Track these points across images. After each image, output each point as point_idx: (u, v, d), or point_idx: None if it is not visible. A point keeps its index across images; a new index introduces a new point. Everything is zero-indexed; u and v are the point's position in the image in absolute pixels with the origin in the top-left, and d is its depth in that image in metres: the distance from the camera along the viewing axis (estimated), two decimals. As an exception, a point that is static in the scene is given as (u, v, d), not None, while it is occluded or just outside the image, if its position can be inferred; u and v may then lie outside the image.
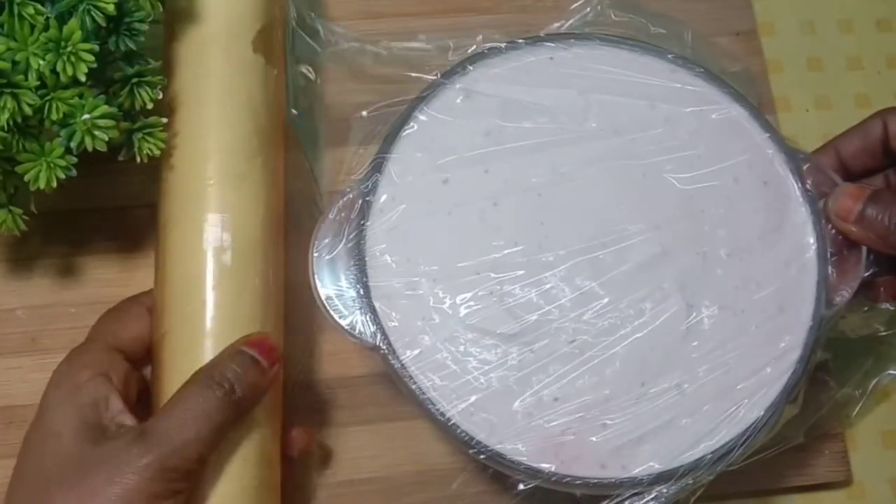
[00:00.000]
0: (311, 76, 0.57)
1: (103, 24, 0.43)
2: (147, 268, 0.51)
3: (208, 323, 0.45)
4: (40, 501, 0.40)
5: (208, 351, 0.44)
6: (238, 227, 0.46)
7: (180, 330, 0.45)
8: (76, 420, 0.41)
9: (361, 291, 0.48)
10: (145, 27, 0.45)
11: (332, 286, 0.48)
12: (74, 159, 0.44)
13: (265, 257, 0.47)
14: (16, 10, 0.42)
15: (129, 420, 0.42)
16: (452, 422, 0.46)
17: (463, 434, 0.46)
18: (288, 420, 0.49)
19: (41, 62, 0.42)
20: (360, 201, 0.49)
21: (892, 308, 0.51)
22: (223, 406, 0.42)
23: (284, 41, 0.52)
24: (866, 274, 0.49)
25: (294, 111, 0.52)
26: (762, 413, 0.47)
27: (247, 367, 0.43)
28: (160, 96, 0.46)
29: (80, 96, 0.43)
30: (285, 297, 0.49)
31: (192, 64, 0.48)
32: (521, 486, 0.47)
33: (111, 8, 0.42)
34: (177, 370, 0.44)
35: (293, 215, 0.52)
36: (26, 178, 0.44)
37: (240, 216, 0.46)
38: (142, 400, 0.47)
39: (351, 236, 0.49)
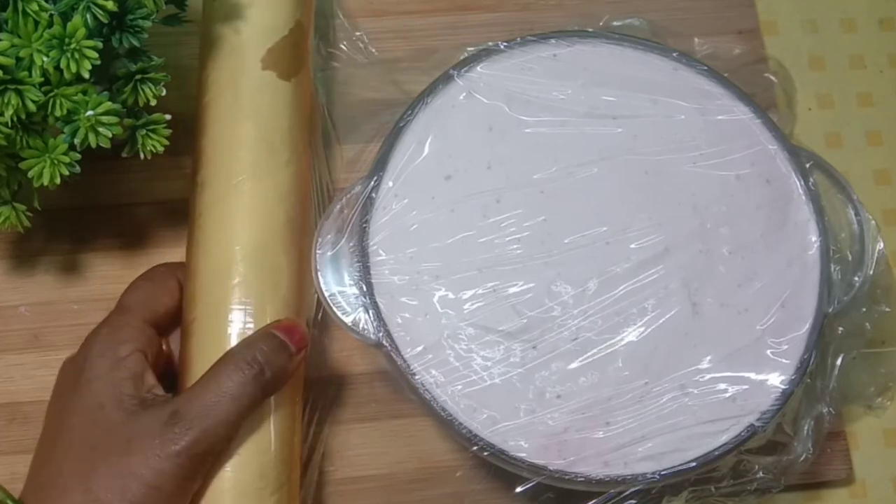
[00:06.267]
0: (318, 73, 0.57)
1: (105, 22, 0.43)
2: (150, 264, 0.51)
3: (237, 312, 0.46)
4: (89, 473, 0.42)
5: (235, 337, 0.45)
6: (267, 217, 0.47)
7: (211, 316, 0.46)
8: (117, 393, 0.43)
9: (364, 288, 0.48)
10: (148, 24, 0.45)
11: (334, 283, 0.48)
12: (78, 156, 0.44)
13: (292, 247, 0.48)
14: (20, 7, 0.42)
15: (160, 392, 0.44)
16: (455, 418, 0.46)
17: (465, 431, 0.46)
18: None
19: (45, 59, 0.42)
20: (362, 198, 0.49)
21: None
22: (253, 387, 0.43)
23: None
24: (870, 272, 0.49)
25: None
26: (765, 411, 0.47)
27: (276, 350, 0.44)
28: (164, 93, 0.46)
29: (84, 93, 0.43)
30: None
31: (227, 82, 0.49)
32: (524, 484, 0.47)
33: (111, 5, 0.42)
34: (206, 354, 0.45)
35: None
36: (30, 174, 0.44)
37: (268, 208, 0.47)
38: (164, 371, 0.48)
39: (354, 233, 0.49)
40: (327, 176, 0.56)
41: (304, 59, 0.51)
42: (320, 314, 0.50)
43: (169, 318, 0.48)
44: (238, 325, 0.45)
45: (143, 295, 0.48)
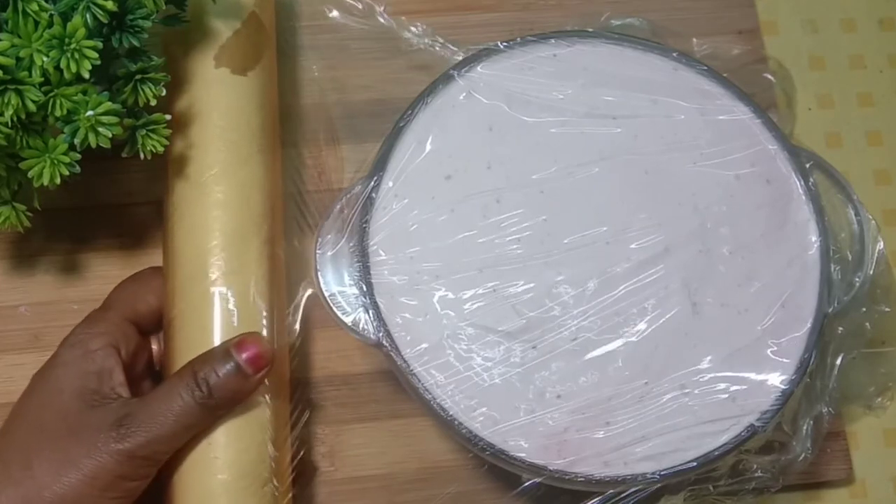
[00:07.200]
0: (316, 73, 0.58)
1: (105, 22, 0.43)
2: (150, 264, 0.51)
3: (216, 308, 0.46)
4: (32, 451, 0.43)
5: (212, 332, 0.46)
6: (234, 213, 0.47)
7: (189, 315, 0.47)
8: (79, 383, 0.45)
9: (364, 288, 0.48)
10: (148, 24, 0.45)
11: (334, 283, 0.48)
12: (78, 156, 0.44)
13: (261, 242, 0.48)
14: (20, 7, 0.42)
15: (125, 393, 0.45)
16: (455, 418, 0.46)
17: (465, 431, 0.46)
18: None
19: (45, 59, 0.42)
20: (362, 198, 0.49)
21: None
22: (198, 410, 0.44)
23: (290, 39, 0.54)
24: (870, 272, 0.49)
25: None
26: (765, 411, 0.47)
27: (230, 374, 0.44)
28: (163, 93, 0.46)
29: (84, 93, 0.43)
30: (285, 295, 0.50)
31: (183, 82, 0.49)
32: (524, 484, 0.47)
33: (111, 5, 0.42)
34: (185, 354, 0.46)
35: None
36: (30, 174, 0.44)
37: (241, 203, 0.48)
38: (150, 368, 0.49)
39: (354, 233, 0.49)
40: (327, 176, 0.56)
41: (260, 53, 0.51)
42: (299, 314, 0.50)
43: (154, 316, 0.48)
44: (216, 321, 0.46)
45: (126, 293, 0.49)
